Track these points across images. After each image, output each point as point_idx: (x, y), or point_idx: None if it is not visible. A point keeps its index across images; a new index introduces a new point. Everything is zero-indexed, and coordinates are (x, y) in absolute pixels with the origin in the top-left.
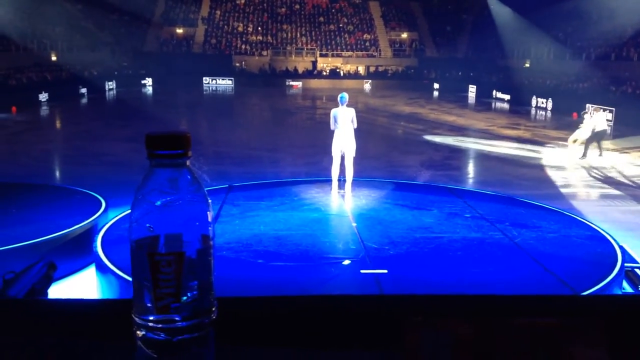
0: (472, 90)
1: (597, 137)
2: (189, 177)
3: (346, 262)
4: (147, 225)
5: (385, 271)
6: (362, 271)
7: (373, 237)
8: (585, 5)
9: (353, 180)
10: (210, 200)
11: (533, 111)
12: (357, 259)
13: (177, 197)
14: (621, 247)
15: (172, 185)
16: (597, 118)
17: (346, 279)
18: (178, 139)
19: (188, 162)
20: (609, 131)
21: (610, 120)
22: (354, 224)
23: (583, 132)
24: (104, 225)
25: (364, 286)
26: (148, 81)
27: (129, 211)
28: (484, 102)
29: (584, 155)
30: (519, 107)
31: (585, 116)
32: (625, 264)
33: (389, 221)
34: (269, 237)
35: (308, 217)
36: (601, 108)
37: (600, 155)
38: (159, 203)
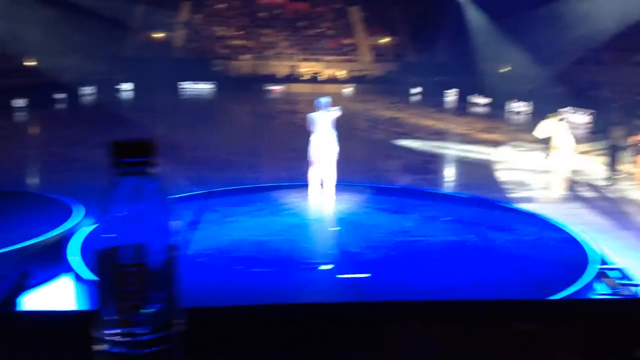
0: (451, 94)
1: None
2: (155, 185)
3: (326, 267)
4: (112, 235)
5: (365, 275)
6: (342, 276)
7: (353, 242)
8: (562, 10)
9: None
10: (176, 209)
11: (511, 115)
12: (337, 263)
13: (143, 206)
14: (597, 250)
15: (137, 194)
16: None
17: (326, 284)
18: (143, 146)
19: (154, 170)
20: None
21: (589, 123)
22: (334, 229)
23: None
24: (79, 233)
25: (344, 291)
26: (126, 86)
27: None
28: (464, 106)
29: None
30: (498, 111)
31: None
32: (601, 266)
33: (369, 225)
34: (248, 243)
35: (288, 222)
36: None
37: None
38: (124, 213)
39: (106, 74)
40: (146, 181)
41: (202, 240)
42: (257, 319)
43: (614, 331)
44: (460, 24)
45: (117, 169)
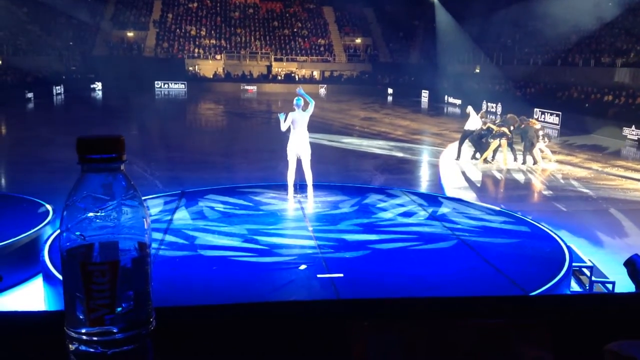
0: (424, 95)
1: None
2: (124, 182)
3: (302, 267)
4: (79, 233)
5: (342, 275)
6: (318, 275)
7: (329, 241)
8: (532, 13)
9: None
10: (147, 206)
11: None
12: (314, 263)
13: (112, 203)
14: (569, 248)
15: (106, 191)
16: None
17: (303, 284)
18: (111, 142)
19: (123, 167)
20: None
21: (557, 124)
22: (310, 229)
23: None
24: (51, 234)
25: (321, 291)
26: (97, 85)
27: (59, 219)
28: (437, 107)
29: (458, 156)
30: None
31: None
32: (573, 264)
33: (345, 225)
34: (222, 243)
35: (264, 223)
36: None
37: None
38: (92, 210)
39: (76, 73)
40: (115, 178)
41: (175, 241)
42: (229, 317)
43: (585, 326)
44: (432, 25)
45: (83, 166)
